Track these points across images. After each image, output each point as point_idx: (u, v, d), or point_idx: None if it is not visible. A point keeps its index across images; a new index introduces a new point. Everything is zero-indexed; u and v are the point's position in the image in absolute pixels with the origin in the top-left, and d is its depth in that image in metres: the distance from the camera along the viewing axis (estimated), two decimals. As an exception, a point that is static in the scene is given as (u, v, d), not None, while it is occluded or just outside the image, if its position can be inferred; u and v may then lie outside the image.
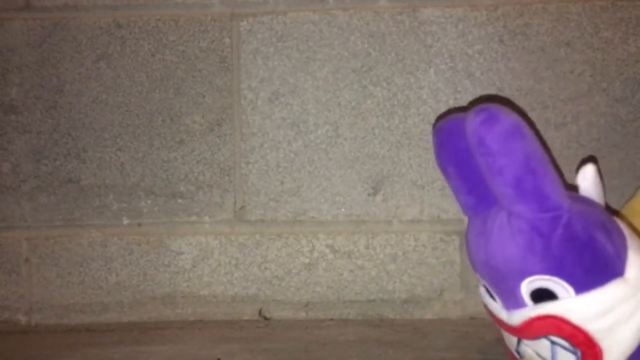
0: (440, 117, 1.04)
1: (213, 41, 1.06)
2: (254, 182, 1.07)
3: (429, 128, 1.05)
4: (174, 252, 1.08)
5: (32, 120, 1.08)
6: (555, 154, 1.04)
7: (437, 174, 1.05)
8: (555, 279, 0.68)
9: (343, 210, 1.07)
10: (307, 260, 1.07)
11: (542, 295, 0.69)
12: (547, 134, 1.04)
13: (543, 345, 0.71)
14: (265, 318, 1.08)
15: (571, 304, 0.68)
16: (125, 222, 1.08)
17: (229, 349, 0.95)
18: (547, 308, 0.69)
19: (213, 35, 1.06)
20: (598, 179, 0.74)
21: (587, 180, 0.74)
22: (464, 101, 1.04)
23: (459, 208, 0.76)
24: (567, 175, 1.03)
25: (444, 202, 1.05)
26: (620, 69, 1.03)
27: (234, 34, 1.06)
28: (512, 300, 0.71)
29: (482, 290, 0.78)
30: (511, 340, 0.76)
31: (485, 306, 0.78)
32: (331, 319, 1.08)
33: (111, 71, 1.07)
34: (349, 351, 0.93)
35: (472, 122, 0.69)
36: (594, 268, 0.68)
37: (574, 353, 0.70)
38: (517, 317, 0.71)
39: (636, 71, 1.03)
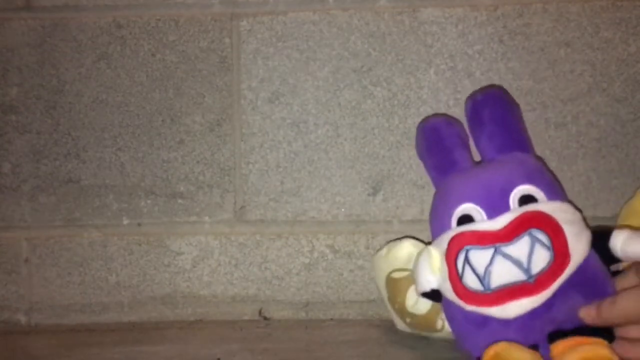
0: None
1: (213, 41, 1.06)
2: (254, 182, 1.07)
3: (429, 128, 1.05)
4: (174, 252, 1.08)
5: (32, 120, 1.08)
6: (555, 154, 1.04)
7: (437, 174, 1.05)
8: (535, 188, 0.83)
9: (343, 210, 1.07)
10: (307, 260, 1.07)
11: (525, 202, 0.83)
12: (547, 134, 1.04)
13: (522, 244, 0.79)
14: (265, 318, 1.08)
15: (552, 205, 0.82)
16: (125, 222, 1.08)
17: (229, 349, 0.95)
18: (533, 206, 0.82)
19: (213, 35, 1.06)
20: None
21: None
22: (464, 101, 1.04)
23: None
24: (567, 175, 1.03)
25: (444, 202, 1.05)
26: (620, 69, 1.03)
27: (234, 34, 1.06)
28: (501, 207, 0.83)
29: (453, 227, 0.85)
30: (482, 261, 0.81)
31: (453, 238, 0.83)
32: (331, 319, 1.08)
33: (111, 71, 1.07)
34: (349, 351, 0.93)
35: (474, 96, 0.95)
36: (560, 189, 0.87)
37: (550, 250, 0.79)
38: (503, 219, 0.81)
39: (636, 71, 1.03)
